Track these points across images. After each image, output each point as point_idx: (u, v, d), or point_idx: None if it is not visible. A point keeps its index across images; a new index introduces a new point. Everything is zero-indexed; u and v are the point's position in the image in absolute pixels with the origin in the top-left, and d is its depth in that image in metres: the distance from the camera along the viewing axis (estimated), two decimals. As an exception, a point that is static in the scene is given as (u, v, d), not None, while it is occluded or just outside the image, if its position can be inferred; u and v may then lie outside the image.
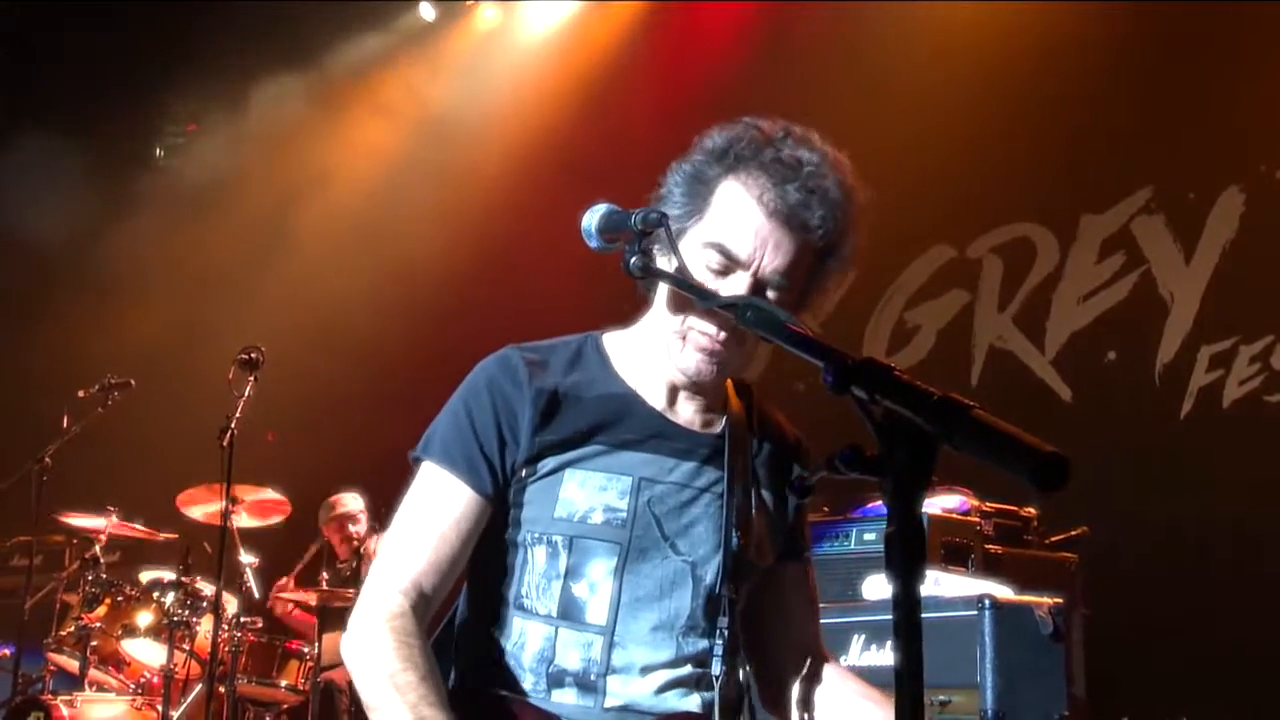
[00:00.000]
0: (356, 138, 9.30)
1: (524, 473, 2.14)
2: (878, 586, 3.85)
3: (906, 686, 1.32)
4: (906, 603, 1.34)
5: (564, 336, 2.29)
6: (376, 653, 2.00)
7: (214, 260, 9.15)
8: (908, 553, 1.34)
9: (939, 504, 4.59)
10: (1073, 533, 4.88)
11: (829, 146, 2.17)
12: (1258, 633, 5.47)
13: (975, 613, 3.54)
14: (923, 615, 4.12)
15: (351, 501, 6.96)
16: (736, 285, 2.09)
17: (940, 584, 3.72)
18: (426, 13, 9.12)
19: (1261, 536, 5.74)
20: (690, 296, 2.06)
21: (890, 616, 4.22)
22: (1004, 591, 3.63)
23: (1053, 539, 4.90)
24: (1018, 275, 7.05)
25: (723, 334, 2.12)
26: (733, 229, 2.11)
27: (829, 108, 7.32)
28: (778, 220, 2.10)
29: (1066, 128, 6.77)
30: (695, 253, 2.12)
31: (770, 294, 2.10)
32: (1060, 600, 3.51)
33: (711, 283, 2.10)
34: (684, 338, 2.15)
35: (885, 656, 3.75)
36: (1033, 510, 4.79)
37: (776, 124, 2.18)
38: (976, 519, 4.54)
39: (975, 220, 7.20)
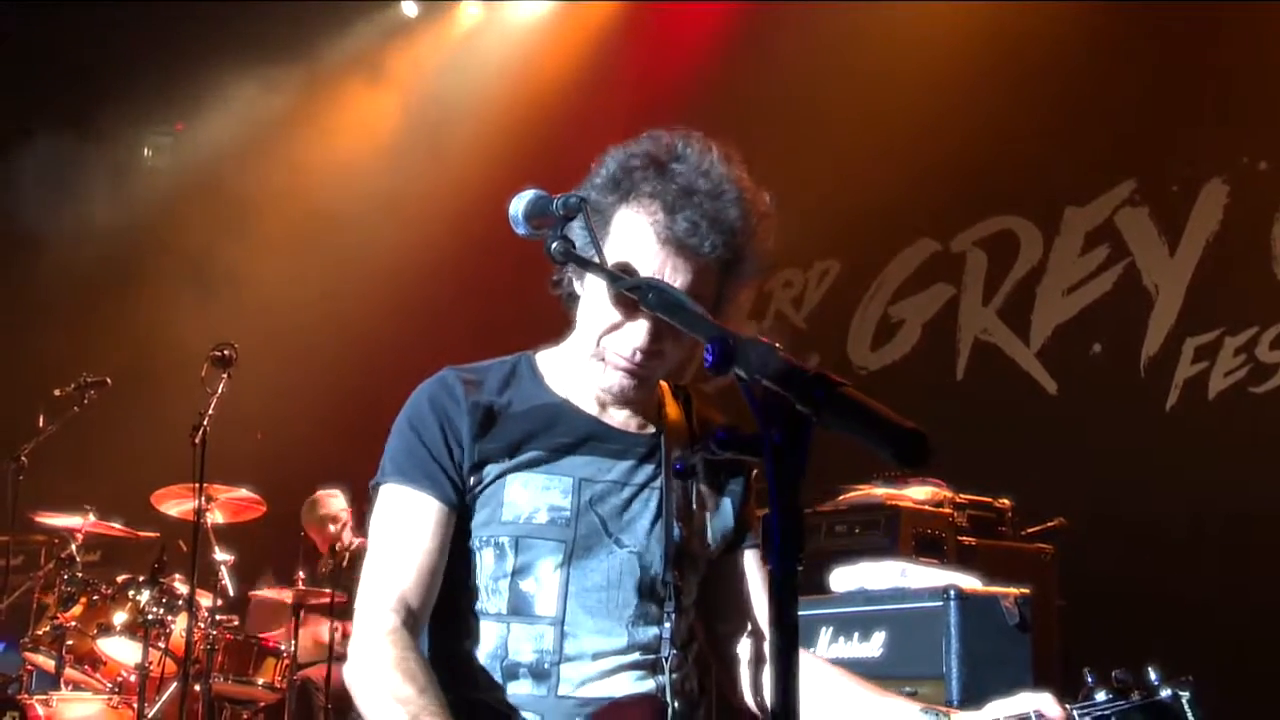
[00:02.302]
0: (337, 135, 9.29)
1: (470, 481, 2.20)
2: (844, 579, 3.81)
3: (784, 691, 1.26)
4: (783, 592, 1.28)
5: (499, 358, 2.35)
6: (376, 671, 2.04)
7: (190, 257, 9.13)
8: (782, 536, 1.29)
9: (911, 495, 4.55)
10: (1049, 524, 4.84)
11: (725, 162, 2.18)
12: (1243, 624, 5.42)
13: (941, 604, 3.51)
14: (889, 607, 4.07)
15: (333, 501, 6.91)
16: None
17: (907, 575, 3.68)
18: (409, 10, 9.11)
19: (1247, 528, 5.69)
20: (623, 306, 2.11)
21: (857, 608, 4.14)
22: (971, 583, 3.59)
23: (1029, 530, 4.86)
24: (1002, 268, 7.01)
25: (639, 354, 2.16)
26: (629, 256, 2.14)
27: (809, 105, 7.33)
28: (670, 247, 2.13)
29: (1049, 120, 6.74)
30: (600, 281, 2.14)
31: None
32: (1026, 590, 3.47)
33: (617, 311, 2.15)
34: (603, 359, 2.19)
35: (854, 648, 3.72)
36: (1007, 501, 4.76)
37: (674, 140, 2.20)
38: (950, 510, 4.51)
39: (959, 214, 7.17)
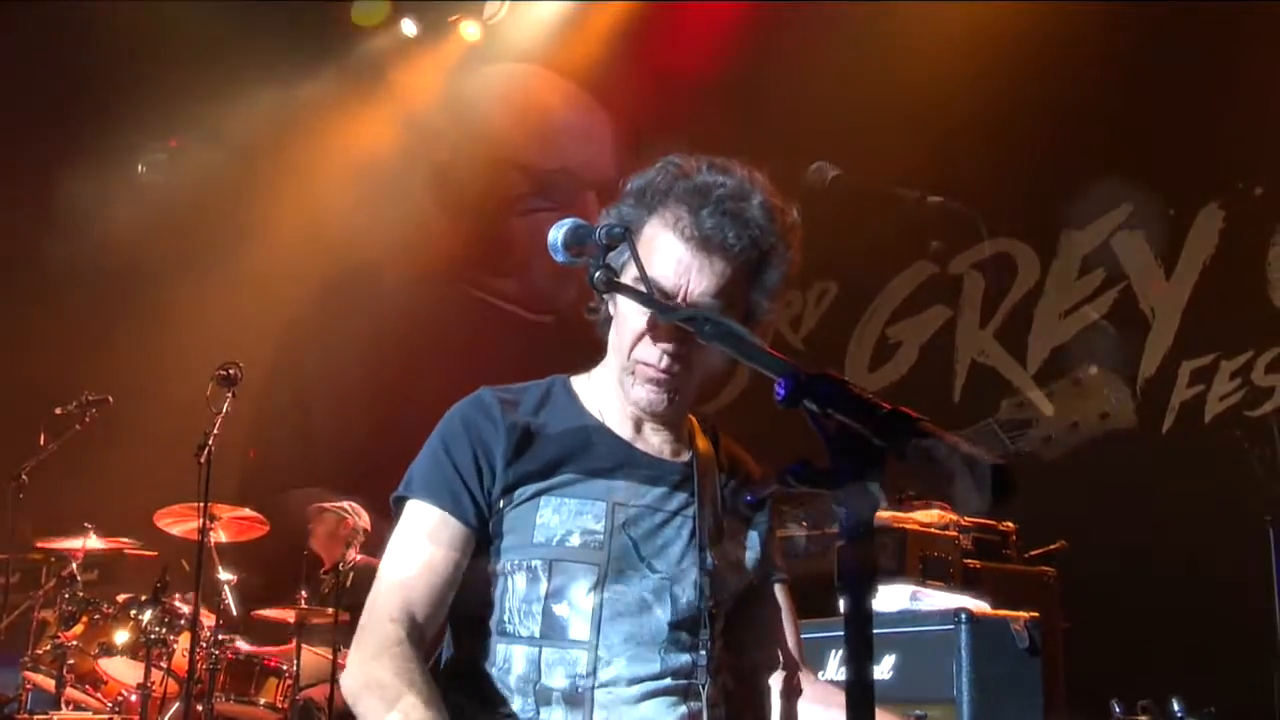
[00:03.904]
0: (336, 152, 9.28)
1: (501, 503, 2.21)
2: (855, 601, 3.82)
3: (858, 703, 1.30)
4: (858, 618, 1.32)
5: (534, 381, 2.37)
6: (377, 681, 2.03)
7: (193, 275, 9.11)
8: (859, 567, 1.33)
9: (917, 518, 4.58)
10: (1051, 547, 4.88)
11: (747, 171, 2.24)
12: (1240, 647, 5.45)
13: (951, 627, 3.50)
14: (899, 630, 4.08)
15: (354, 515, 6.77)
16: None
17: (917, 598, 3.70)
18: (408, 28, 9.13)
19: (1243, 551, 5.72)
20: (650, 312, 2.12)
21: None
22: (981, 606, 3.61)
23: (1032, 553, 4.90)
24: (999, 291, 7.05)
25: (665, 361, 2.19)
26: (657, 262, 2.17)
27: (805, 126, 7.36)
28: (695, 245, 2.17)
29: (1047, 143, 6.79)
30: (631, 294, 2.16)
31: None
32: (1037, 614, 3.48)
33: (644, 320, 2.18)
34: (633, 372, 2.22)
35: (863, 672, 3.72)
36: (1011, 524, 4.79)
37: (698, 159, 2.26)
38: (955, 533, 4.54)
39: (956, 236, 7.21)
